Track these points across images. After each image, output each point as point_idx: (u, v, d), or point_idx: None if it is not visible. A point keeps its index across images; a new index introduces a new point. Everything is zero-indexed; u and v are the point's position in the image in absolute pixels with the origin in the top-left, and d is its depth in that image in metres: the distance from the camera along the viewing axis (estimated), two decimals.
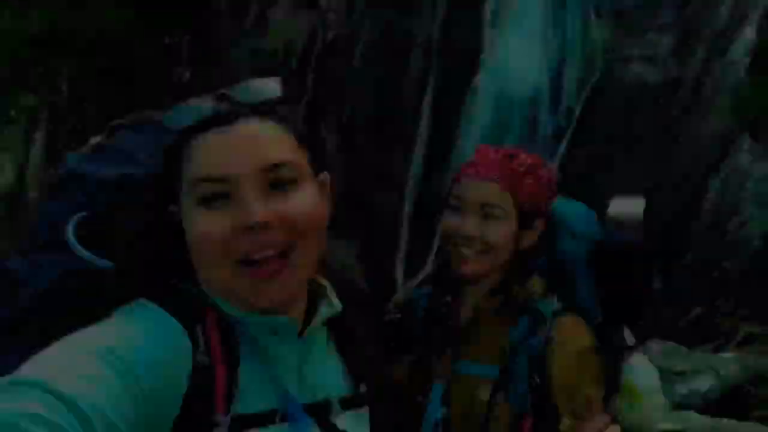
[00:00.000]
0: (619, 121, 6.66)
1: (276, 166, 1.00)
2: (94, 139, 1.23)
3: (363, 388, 1.16)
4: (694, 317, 5.76)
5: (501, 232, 1.68)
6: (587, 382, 1.62)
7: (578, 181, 4.91)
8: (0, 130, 6.77)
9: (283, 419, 1.01)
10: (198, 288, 1.04)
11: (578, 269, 1.74)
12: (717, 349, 5.49)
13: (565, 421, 1.45)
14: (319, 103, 7.38)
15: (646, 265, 1.80)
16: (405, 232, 6.83)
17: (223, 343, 0.99)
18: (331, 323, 1.15)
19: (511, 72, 6.82)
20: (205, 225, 0.98)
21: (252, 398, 1.00)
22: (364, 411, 1.17)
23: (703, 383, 4.99)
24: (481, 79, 6.95)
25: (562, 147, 6.66)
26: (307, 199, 1.02)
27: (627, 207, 1.77)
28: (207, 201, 0.99)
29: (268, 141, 1.01)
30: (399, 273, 6.60)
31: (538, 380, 1.60)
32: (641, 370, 1.79)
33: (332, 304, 1.14)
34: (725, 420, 4.60)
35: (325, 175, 1.11)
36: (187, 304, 1.01)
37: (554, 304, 1.69)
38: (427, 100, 7.15)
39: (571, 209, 1.81)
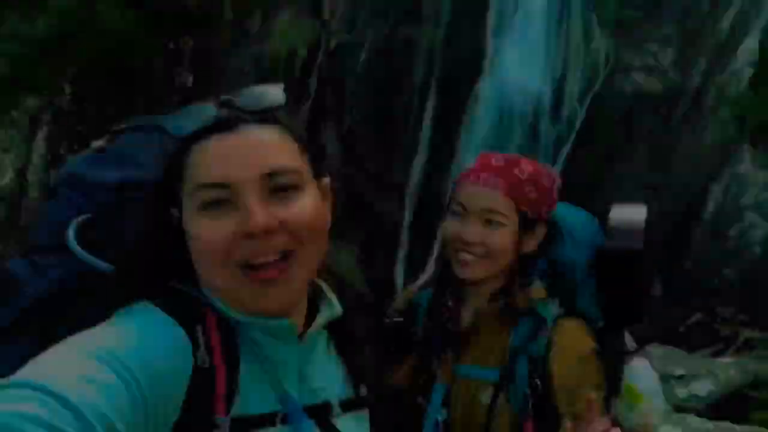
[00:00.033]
0: (620, 130, 6.67)
1: (278, 172, 1.00)
2: (96, 143, 1.24)
3: (363, 391, 1.16)
4: (694, 322, 5.77)
5: (502, 237, 1.69)
6: (588, 385, 1.62)
7: (579, 189, 4.92)
8: (1, 131, 6.78)
9: (284, 421, 1.01)
10: (198, 289, 1.04)
11: (579, 275, 1.75)
12: (717, 354, 5.50)
13: (566, 424, 1.45)
14: (322, 108, 7.39)
15: (647, 270, 1.81)
16: (405, 237, 6.84)
17: (224, 344, 0.99)
18: (331, 326, 1.15)
19: (512, 80, 6.84)
20: (206, 230, 0.99)
21: (252, 400, 1.00)
22: (365, 413, 1.17)
23: (703, 387, 5.00)
24: (482, 87, 6.96)
25: (564, 155, 6.67)
26: (308, 205, 1.02)
27: (628, 214, 1.77)
28: (209, 206, 0.99)
29: (270, 147, 1.01)
30: (398, 277, 6.60)
31: (538, 383, 1.60)
32: (642, 373, 1.80)
33: (333, 307, 1.14)
34: (724, 423, 4.61)
35: (326, 180, 1.11)
36: (187, 305, 1.01)
37: (555, 308, 1.69)
38: (429, 106, 7.17)
39: (572, 215, 1.81)
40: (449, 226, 1.74)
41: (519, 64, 6.87)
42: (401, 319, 1.83)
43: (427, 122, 7.14)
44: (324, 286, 1.16)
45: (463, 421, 1.67)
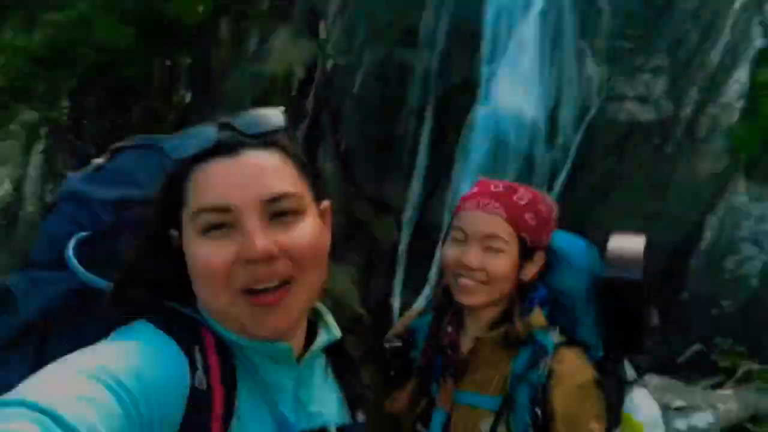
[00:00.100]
0: (614, 159, 6.71)
1: (279, 197, 1.00)
2: (96, 161, 1.23)
3: (361, 417, 1.15)
4: (692, 353, 5.75)
5: (502, 263, 1.68)
6: (588, 415, 1.61)
7: (576, 217, 4.92)
8: None
9: None
10: (196, 310, 1.03)
11: (578, 303, 1.74)
12: (716, 386, 5.48)
13: None
14: (318, 130, 7.41)
15: (646, 300, 1.80)
16: (402, 260, 6.82)
17: (222, 366, 0.98)
18: (329, 350, 1.14)
19: (506, 108, 6.88)
20: (206, 254, 0.98)
21: (249, 423, 0.98)
22: None
23: (702, 419, 4.97)
24: (477, 114, 7.00)
25: (559, 183, 6.70)
26: (308, 231, 1.02)
27: (628, 244, 1.77)
28: (209, 230, 0.98)
29: (271, 172, 1.01)
30: (396, 300, 6.58)
31: (539, 412, 1.59)
32: (642, 403, 1.79)
33: (331, 331, 1.13)
34: None
35: (326, 204, 1.11)
36: (185, 326, 1.00)
37: (556, 336, 1.68)
38: (426, 130, 7.20)
39: (571, 244, 1.81)
40: (449, 251, 1.73)
41: (512, 92, 6.91)
42: (400, 344, 1.82)
43: (424, 145, 7.17)
44: (323, 309, 1.15)
45: None
